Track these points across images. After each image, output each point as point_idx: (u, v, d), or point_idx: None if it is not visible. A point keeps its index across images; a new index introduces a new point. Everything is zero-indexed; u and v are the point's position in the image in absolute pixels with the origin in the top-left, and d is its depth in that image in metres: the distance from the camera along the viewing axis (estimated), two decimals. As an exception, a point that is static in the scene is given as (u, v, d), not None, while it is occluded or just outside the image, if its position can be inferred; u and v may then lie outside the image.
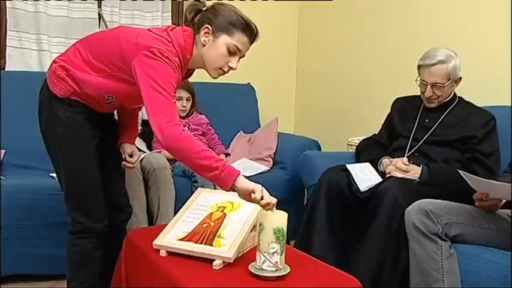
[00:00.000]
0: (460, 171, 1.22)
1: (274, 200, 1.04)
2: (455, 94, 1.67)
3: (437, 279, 1.22)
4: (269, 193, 1.06)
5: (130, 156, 1.39)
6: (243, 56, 1.22)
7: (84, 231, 1.26)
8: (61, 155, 1.25)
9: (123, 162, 1.38)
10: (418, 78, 1.62)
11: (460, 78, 1.62)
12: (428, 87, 1.59)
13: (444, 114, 1.64)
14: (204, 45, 1.19)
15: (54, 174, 1.74)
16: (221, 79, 2.50)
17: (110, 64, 1.19)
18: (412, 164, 1.57)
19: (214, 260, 1.05)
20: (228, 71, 1.22)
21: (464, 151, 1.57)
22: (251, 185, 1.06)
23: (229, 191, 1.08)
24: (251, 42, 1.21)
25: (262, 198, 1.04)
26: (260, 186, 1.06)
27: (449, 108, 1.64)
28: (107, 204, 1.31)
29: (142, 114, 2.10)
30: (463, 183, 1.23)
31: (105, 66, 1.20)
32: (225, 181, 1.06)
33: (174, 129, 1.08)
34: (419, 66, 1.62)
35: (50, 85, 1.24)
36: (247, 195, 1.07)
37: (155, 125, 1.09)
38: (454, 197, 1.34)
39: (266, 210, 1.03)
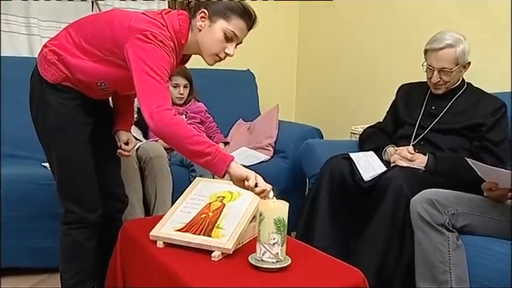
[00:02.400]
0: (468, 160, 1.21)
1: (269, 187, 1.04)
2: (463, 80, 1.65)
3: (443, 271, 1.21)
4: (266, 181, 1.05)
5: (126, 143, 1.37)
6: (241, 42, 1.21)
7: (77, 221, 1.25)
8: (53, 143, 1.24)
9: (119, 150, 1.37)
10: (425, 63, 1.60)
11: (469, 63, 1.59)
12: (435, 72, 1.57)
13: (452, 101, 1.62)
14: (200, 30, 1.18)
15: (47, 164, 1.73)
16: (220, 65, 2.46)
17: (103, 48, 1.17)
18: (418, 152, 1.56)
19: (213, 251, 1.05)
20: (225, 57, 1.20)
21: (472, 139, 1.55)
22: (245, 171, 1.05)
23: (223, 177, 1.07)
24: (249, 28, 1.19)
25: (256, 186, 1.03)
26: (254, 173, 1.05)
27: (457, 94, 1.62)
28: (102, 194, 1.30)
29: (138, 102, 2.08)
30: (471, 172, 1.22)
31: (98, 50, 1.18)
32: (217, 167, 1.05)
33: (165, 114, 1.07)
34: (426, 51, 1.60)
35: (41, 70, 1.22)
36: (241, 182, 1.06)
37: (145, 110, 1.08)
38: (462, 187, 1.33)
39: (262, 197, 1.03)
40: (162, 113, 1.06)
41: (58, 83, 1.21)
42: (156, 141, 1.97)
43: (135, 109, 2.02)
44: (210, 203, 1.19)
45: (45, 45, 1.24)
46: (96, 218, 1.26)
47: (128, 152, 1.37)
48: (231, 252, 1.05)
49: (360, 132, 1.89)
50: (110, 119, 1.39)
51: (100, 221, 1.28)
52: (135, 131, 2.00)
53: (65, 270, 1.29)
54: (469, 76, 1.65)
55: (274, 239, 0.98)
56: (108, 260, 1.27)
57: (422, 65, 1.60)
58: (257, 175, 1.05)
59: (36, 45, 2.06)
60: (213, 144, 1.07)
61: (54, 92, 1.21)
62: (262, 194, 1.03)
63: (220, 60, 1.21)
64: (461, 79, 1.64)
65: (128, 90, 1.33)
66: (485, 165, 1.20)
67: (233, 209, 1.16)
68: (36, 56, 1.29)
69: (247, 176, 1.04)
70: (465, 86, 1.64)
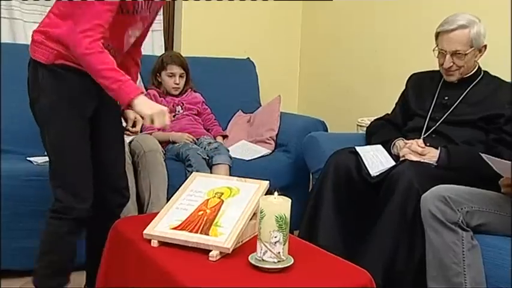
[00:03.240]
0: (483, 155, 1.19)
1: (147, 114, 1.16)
2: (479, 67, 1.63)
3: (457, 273, 1.20)
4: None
5: (133, 125, 1.39)
6: None
7: (62, 211, 1.25)
8: (47, 127, 1.25)
9: (126, 132, 1.40)
10: (436, 49, 1.57)
11: (485, 47, 1.56)
12: (448, 56, 1.54)
13: (467, 91, 1.60)
14: None
15: (33, 158, 1.72)
16: (218, 53, 2.44)
17: None
18: (429, 146, 1.55)
19: (210, 250, 1.05)
20: None
21: (489, 132, 1.53)
22: (136, 113, 1.19)
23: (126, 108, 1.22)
24: None
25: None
26: (140, 117, 1.20)
27: (473, 83, 1.60)
28: (102, 184, 1.31)
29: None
30: (487, 167, 1.20)
31: (75, 4, 1.20)
32: (122, 102, 1.18)
33: (82, 41, 1.11)
34: (437, 34, 1.58)
35: (32, 54, 1.25)
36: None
37: (71, 33, 1.13)
38: (477, 183, 1.32)
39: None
40: (81, 39, 1.11)
41: (52, 63, 1.23)
42: (150, 134, 1.96)
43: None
44: (207, 200, 1.18)
45: (33, 31, 1.28)
46: (85, 210, 1.26)
47: (136, 131, 1.42)
48: (230, 251, 1.04)
49: (367, 125, 1.88)
50: (113, 105, 1.38)
51: (87, 214, 1.27)
52: (127, 123, 2.00)
53: (40, 260, 1.29)
54: (485, 63, 1.63)
55: (275, 237, 0.98)
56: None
57: (434, 50, 1.58)
58: (139, 118, 1.19)
59: (19, 30, 2.03)
60: (119, 80, 1.15)
61: (49, 73, 1.23)
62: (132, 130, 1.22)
63: None
64: (477, 67, 1.62)
65: (121, 35, 1.31)
66: (503, 160, 1.19)
67: (232, 205, 1.15)
68: (18, 41, 1.29)
69: (135, 117, 1.20)
70: (481, 74, 1.62)
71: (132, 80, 1.43)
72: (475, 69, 1.61)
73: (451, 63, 1.55)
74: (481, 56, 1.58)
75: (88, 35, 1.11)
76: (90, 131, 1.30)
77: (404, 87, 1.79)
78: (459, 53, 1.53)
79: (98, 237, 1.31)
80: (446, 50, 1.54)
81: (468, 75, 1.61)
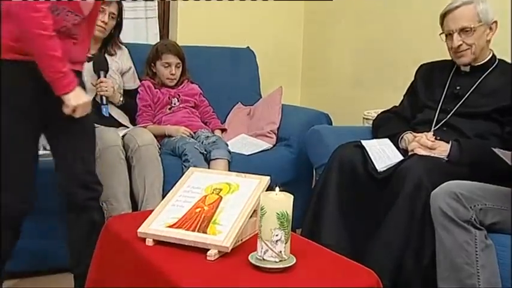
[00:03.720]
0: (495, 149, 1.19)
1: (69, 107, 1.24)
2: (494, 55, 1.62)
3: (470, 274, 1.20)
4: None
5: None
6: None
7: None
8: None
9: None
10: (443, 35, 1.55)
11: (496, 23, 1.54)
12: (455, 35, 1.53)
13: (480, 80, 1.58)
14: None
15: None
16: (216, 42, 2.42)
17: None
18: (440, 140, 1.54)
19: (208, 249, 1.04)
20: None
21: (504, 124, 1.52)
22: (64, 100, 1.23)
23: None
24: None
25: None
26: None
27: (487, 72, 1.59)
28: (69, 179, 1.33)
29: (124, 84, 2.06)
30: (502, 162, 1.19)
31: None
32: (56, 92, 1.23)
33: (36, 17, 1.14)
34: (442, 17, 1.57)
35: None
36: None
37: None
38: (490, 179, 1.31)
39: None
40: (32, 14, 1.14)
41: (3, 58, 1.22)
42: (145, 127, 1.95)
43: (121, 91, 2.01)
44: (205, 196, 1.18)
45: None
46: (16, 210, 1.27)
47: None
48: (229, 250, 1.04)
49: (374, 118, 1.87)
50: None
51: (20, 215, 1.29)
52: (120, 117, 1.99)
53: None
54: (500, 51, 1.61)
55: (277, 235, 0.98)
56: (83, 255, 1.27)
57: (440, 35, 1.56)
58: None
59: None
60: (62, 71, 1.20)
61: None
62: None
63: None
64: (491, 54, 1.61)
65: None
66: (518, 154, 1.18)
67: (231, 202, 1.15)
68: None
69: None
70: (496, 62, 1.60)
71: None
72: (489, 57, 1.60)
73: (460, 42, 1.54)
74: (492, 34, 1.56)
75: (37, 8, 1.15)
76: (55, 125, 1.31)
77: (413, 78, 1.78)
78: (467, 30, 1.52)
79: (75, 231, 1.32)
80: (453, 29, 1.53)
81: (481, 62, 1.59)
